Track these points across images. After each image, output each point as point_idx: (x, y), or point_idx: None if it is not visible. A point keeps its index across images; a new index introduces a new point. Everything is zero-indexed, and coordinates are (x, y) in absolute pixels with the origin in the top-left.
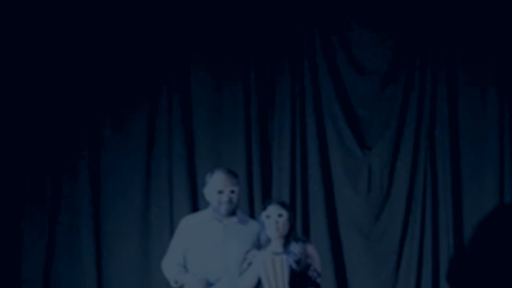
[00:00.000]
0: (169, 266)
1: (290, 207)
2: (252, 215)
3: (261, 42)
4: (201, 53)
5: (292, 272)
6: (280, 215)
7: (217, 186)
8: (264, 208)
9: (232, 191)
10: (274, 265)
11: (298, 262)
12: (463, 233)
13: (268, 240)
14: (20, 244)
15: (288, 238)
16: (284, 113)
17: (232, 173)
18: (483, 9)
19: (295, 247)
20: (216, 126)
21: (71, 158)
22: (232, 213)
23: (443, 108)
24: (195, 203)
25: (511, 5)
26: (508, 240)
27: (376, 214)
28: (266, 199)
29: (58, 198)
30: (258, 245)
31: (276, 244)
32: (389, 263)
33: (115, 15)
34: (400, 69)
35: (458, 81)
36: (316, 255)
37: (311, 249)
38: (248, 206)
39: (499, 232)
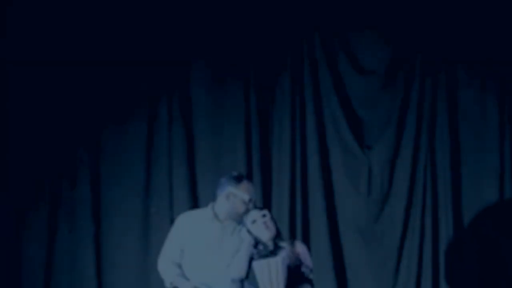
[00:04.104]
0: (166, 265)
1: (290, 208)
2: None
3: (261, 43)
4: (201, 54)
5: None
6: (264, 215)
7: (246, 197)
8: (245, 219)
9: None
10: (270, 268)
11: (288, 260)
12: (463, 233)
13: (262, 246)
14: (20, 245)
15: (274, 240)
16: (284, 114)
17: (251, 182)
18: (483, 8)
19: (283, 247)
20: (216, 127)
21: (71, 159)
22: None
23: (443, 108)
24: (195, 203)
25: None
26: (508, 240)
27: (376, 214)
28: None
29: (58, 199)
30: (255, 255)
31: (269, 246)
32: (389, 263)
33: (116, 18)
34: (400, 69)
35: (458, 80)
36: (306, 250)
37: (299, 245)
38: None
39: (499, 232)
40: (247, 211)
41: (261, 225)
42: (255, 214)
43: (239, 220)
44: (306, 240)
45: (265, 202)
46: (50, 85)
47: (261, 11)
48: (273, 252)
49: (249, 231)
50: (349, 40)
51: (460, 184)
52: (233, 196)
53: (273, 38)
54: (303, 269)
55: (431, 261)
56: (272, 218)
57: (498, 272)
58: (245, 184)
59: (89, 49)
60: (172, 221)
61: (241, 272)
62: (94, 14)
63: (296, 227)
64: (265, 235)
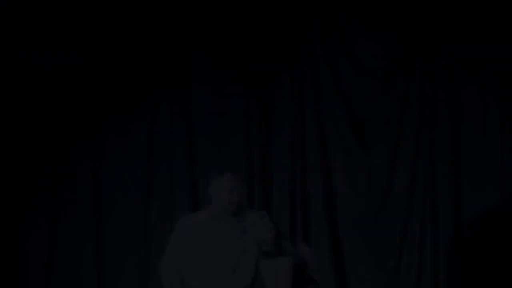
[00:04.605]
0: (168, 271)
1: (290, 208)
2: None
3: (261, 43)
4: (201, 54)
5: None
6: (262, 217)
7: (228, 184)
8: (244, 222)
9: (240, 193)
10: (276, 269)
11: (293, 261)
12: (463, 234)
13: (266, 248)
14: (20, 245)
15: (277, 241)
16: (284, 113)
17: (240, 177)
18: (483, 8)
19: (287, 248)
20: (216, 127)
21: (71, 160)
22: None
23: (443, 108)
24: (195, 204)
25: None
26: (508, 240)
27: (376, 214)
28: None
29: (58, 199)
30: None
31: (271, 246)
32: (389, 263)
33: (117, 19)
34: (400, 69)
35: (458, 80)
36: (310, 251)
37: (303, 247)
38: (248, 207)
39: (499, 233)
40: (230, 202)
41: (261, 227)
42: (253, 216)
43: (234, 214)
44: (306, 240)
45: (265, 202)
46: (51, 85)
47: (261, 11)
48: (278, 253)
49: (249, 232)
50: (349, 39)
51: (460, 184)
52: (217, 187)
53: (273, 38)
54: (308, 269)
55: (431, 262)
56: (272, 219)
57: (498, 272)
58: (227, 175)
59: (89, 49)
60: (172, 221)
61: (247, 280)
62: (95, 15)
63: (296, 227)
64: (266, 236)
